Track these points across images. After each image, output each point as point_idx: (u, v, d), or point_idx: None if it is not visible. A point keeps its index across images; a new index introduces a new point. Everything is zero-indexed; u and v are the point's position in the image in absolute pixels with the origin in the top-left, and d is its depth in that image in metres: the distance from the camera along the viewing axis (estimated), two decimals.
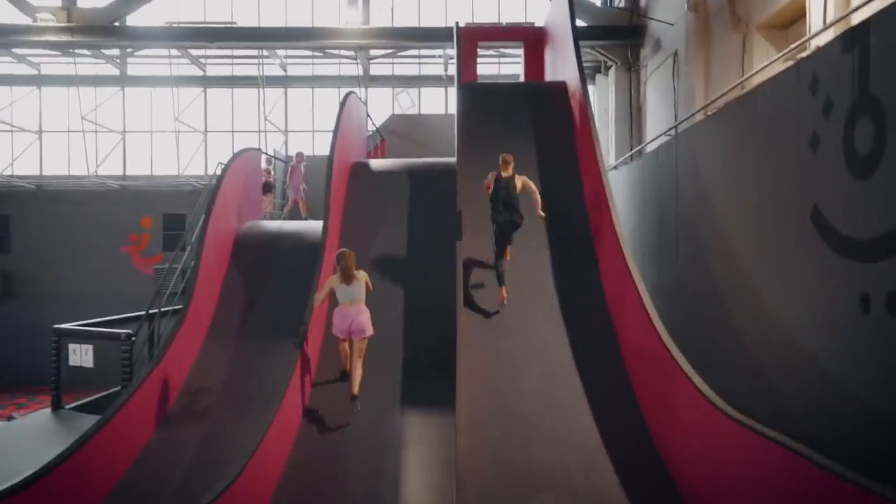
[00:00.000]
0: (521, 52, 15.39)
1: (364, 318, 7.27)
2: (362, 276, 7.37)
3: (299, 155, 15.25)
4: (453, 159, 10.22)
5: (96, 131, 20.20)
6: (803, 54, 6.70)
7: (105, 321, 10.21)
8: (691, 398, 5.89)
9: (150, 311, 10.13)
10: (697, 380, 5.90)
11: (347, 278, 7.23)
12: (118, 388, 9.09)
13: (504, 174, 8.12)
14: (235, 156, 11.18)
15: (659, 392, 6.69)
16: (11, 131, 20.84)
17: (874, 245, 4.90)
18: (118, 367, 8.86)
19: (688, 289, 9.02)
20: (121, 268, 18.90)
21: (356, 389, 7.22)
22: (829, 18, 7.97)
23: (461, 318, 7.52)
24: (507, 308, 8.14)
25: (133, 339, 8.94)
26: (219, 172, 10.97)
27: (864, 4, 5.71)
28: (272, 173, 15.64)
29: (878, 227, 4.85)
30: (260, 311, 9.57)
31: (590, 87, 18.57)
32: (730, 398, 5.78)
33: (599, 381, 7.30)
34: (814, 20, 8.55)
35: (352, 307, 7.25)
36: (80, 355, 8.86)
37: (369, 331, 7.32)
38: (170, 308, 10.27)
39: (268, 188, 15.04)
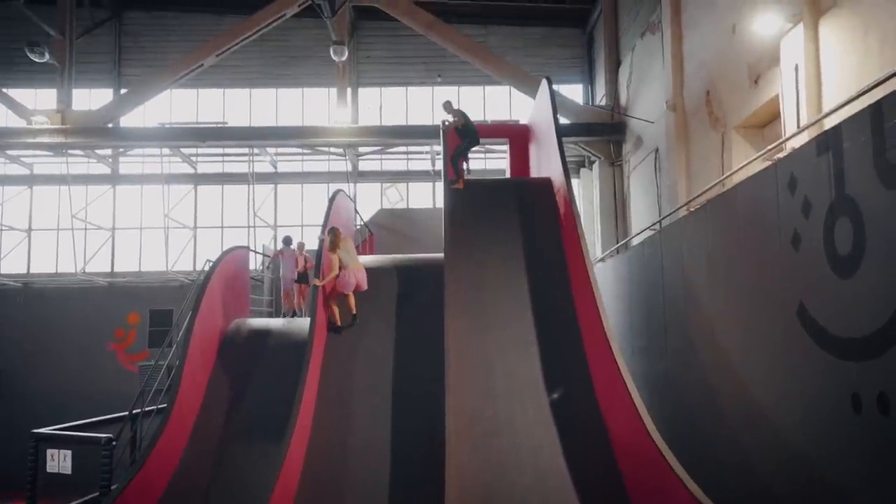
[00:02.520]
0: (506, 147, 15.74)
1: (363, 275, 9.69)
2: (349, 241, 9.92)
3: (300, 245, 13.63)
4: (441, 254, 10.29)
5: (86, 229, 20.28)
6: (780, 155, 6.89)
7: (86, 423, 9.95)
8: (684, 501, 5.76)
9: (133, 412, 9.91)
10: (691, 484, 5.78)
11: (337, 247, 9.41)
12: (97, 493, 8.79)
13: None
14: (224, 254, 11.23)
15: (651, 491, 6.54)
16: (0, 230, 20.91)
17: (862, 344, 4.90)
18: (98, 472, 8.59)
19: (677, 382, 8.95)
20: (106, 365, 18.65)
21: (355, 311, 9.67)
22: (803, 120, 8.24)
23: (450, 416, 7.41)
24: (497, 406, 8.03)
25: (114, 443, 8.70)
26: (207, 268, 10.98)
27: (834, 111, 5.91)
28: (308, 260, 13.39)
29: (865, 327, 4.86)
30: (245, 410, 9.41)
31: (574, 181, 18.89)
32: (723, 497, 5.65)
33: (591, 479, 7.12)
34: (788, 121, 8.83)
35: (354, 269, 9.54)
36: (59, 461, 8.58)
37: (365, 285, 9.70)
38: (154, 407, 10.07)
39: (303, 278, 13.31)
